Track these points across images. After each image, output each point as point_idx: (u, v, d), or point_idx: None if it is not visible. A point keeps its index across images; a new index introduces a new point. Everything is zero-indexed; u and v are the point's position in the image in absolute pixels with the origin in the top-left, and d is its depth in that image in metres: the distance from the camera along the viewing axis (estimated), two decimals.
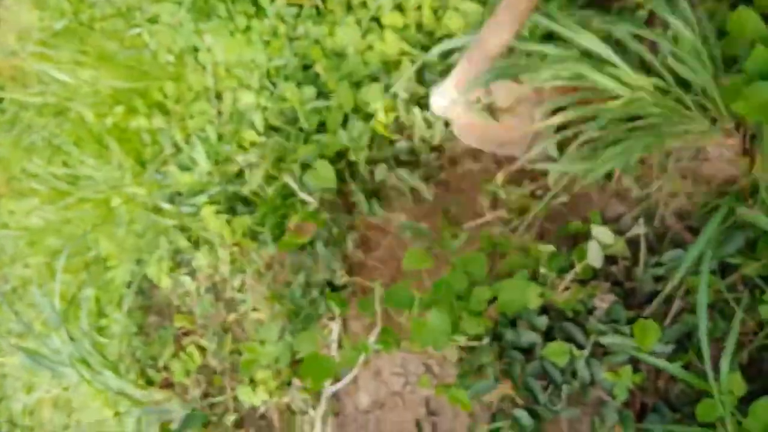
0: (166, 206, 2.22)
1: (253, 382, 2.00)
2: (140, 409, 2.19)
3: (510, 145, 1.75)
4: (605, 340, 1.49)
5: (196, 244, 2.24)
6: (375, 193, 1.87)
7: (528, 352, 1.59)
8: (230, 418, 2.14)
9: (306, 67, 2.09)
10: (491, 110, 1.69)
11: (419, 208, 1.90)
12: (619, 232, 1.60)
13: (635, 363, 1.50)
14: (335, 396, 1.92)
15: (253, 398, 2.02)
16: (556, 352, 1.53)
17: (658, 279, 1.53)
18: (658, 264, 1.53)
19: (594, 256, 1.55)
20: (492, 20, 1.45)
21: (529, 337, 1.58)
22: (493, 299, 1.59)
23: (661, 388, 1.52)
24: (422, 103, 1.76)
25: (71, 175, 2.93)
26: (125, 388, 2.37)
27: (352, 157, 1.86)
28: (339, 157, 1.93)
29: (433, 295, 1.60)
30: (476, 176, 1.83)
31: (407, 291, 1.63)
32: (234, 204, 2.13)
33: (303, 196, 1.94)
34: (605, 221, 1.65)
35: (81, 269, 2.69)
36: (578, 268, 1.57)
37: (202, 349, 2.31)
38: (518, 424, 1.49)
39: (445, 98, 1.65)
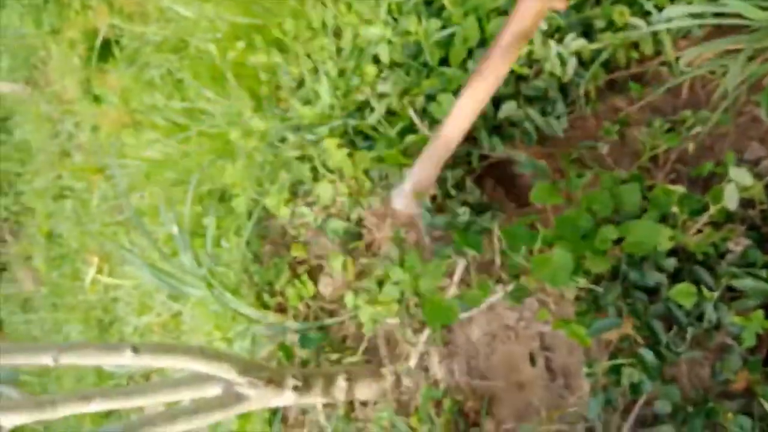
0: (290, 136, 2.30)
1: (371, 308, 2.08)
2: (257, 326, 2.33)
3: None
4: (738, 283, 1.46)
5: (315, 176, 2.32)
6: (497, 129, 1.87)
7: (652, 293, 1.59)
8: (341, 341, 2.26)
9: (428, 2, 2.09)
10: None
11: (541, 147, 1.90)
12: (757, 176, 1.55)
13: (767, 309, 1.47)
14: (447, 326, 1.98)
15: (369, 325, 2.11)
16: (684, 294, 1.51)
17: None
18: None
19: (730, 198, 1.50)
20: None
21: (654, 277, 1.57)
22: (619, 240, 1.59)
23: None
24: (558, 36, 1.73)
25: (190, 109, 3.08)
26: (243, 308, 2.52)
27: None
28: None
29: (557, 232, 1.61)
30: (603, 116, 1.81)
31: (527, 229, 1.65)
32: (354, 138, 2.19)
33: (423, 129, 1.96)
34: (742, 164, 1.60)
35: (204, 199, 2.85)
36: (713, 210, 1.53)
37: (316, 277, 2.43)
38: (642, 362, 1.50)
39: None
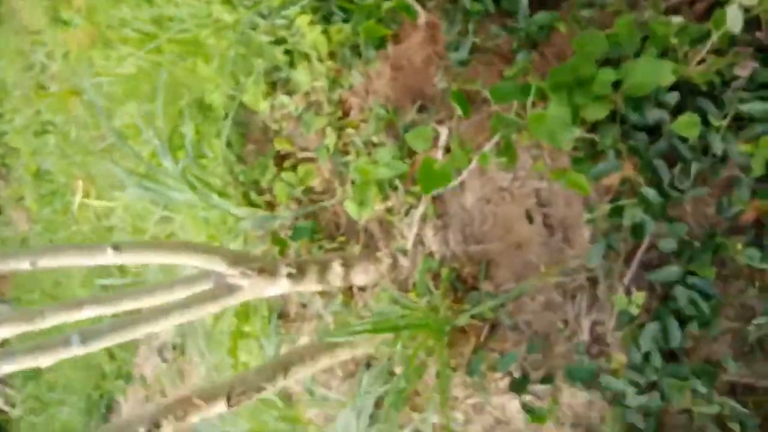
0: (259, 20, 2.16)
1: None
2: (248, 221, 2.25)
3: None
4: (746, 108, 1.36)
5: (291, 61, 2.20)
6: None
7: (654, 132, 1.49)
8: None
9: None
10: None
11: None
12: None
13: None
14: (439, 198, 1.90)
15: (361, 213, 2.03)
16: (687, 125, 1.41)
17: None
18: None
19: (734, 21, 1.38)
20: None
21: (655, 115, 1.47)
22: (617, 83, 1.49)
23: None
24: None
25: (158, 17, 2.92)
26: (231, 208, 2.44)
27: None
28: None
29: (551, 82, 1.50)
30: None
31: (515, 83, 1.54)
32: (328, 13, 2.05)
33: None
34: None
35: (184, 110, 2.73)
36: (715, 36, 1.42)
37: (303, 170, 2.33)
38: (645, 202, 1.41)
39: None
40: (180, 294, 1.87)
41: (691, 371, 1.40)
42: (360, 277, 2.17)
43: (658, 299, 1.48)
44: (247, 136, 2.55)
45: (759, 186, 1.41)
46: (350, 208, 2.03)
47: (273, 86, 2.36)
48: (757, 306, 1.44)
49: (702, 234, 1.48)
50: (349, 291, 2.24)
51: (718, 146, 1.40)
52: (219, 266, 1.91)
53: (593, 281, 1.57)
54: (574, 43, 1.55)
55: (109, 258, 1.82)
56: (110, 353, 3.79)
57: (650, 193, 1.41)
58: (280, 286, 2.00)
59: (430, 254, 1.93)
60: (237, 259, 1.93)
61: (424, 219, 1.93)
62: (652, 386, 1.45)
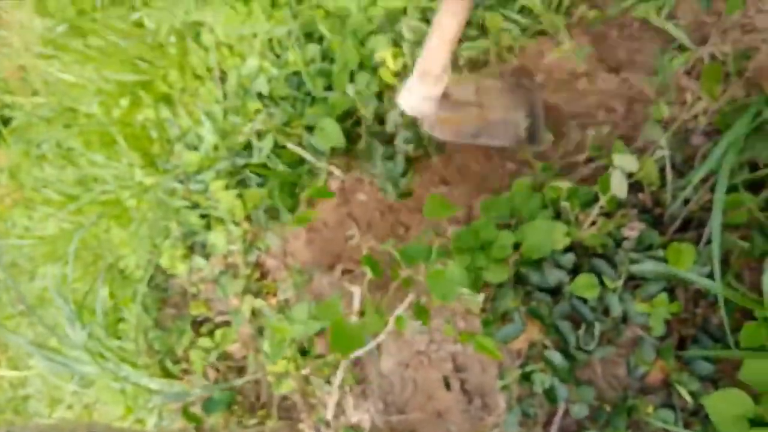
0: (176, 185, 2.18)
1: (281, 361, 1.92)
2: (160, 396, 2.12)
3: (485, 136, 1.71)
4: (638, 268, 1.40)
5: (208, 225, 2.20)
6: (387, 142, 1.82)
7: (555, 293, 1.51)
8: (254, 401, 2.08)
9: (309, 35, 2.05)
10: (456, 103, 1.66)
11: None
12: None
13: (670, 292, 1.41)
14: (359, 363, 1.84)
15: (281, 385, 1.95)
16: (585, 286, 1.45)
17: (687, 202, 1.45)
18: (687, 184, 1.45)
19: (618, 186, 1.47)
20: (446, 2, 1.42)
21: (555, 276, 1.50)
22: (516, 246, 1.52)
23: (700, 317, 1.43)
24: None
25: (82, 178, 2.92)
26: (144, 380, 2.31)
27: (362, 111, 1.81)
28: (347, 116, 1.88)
29: (455, 244, 1.53)
30: None
31: (422, 245, 1.56)
32: (243, 178, 2.09)
33: (309, 158, 1.88)
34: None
35: (95, 268, 2.66)
36: (603, 200, 1.49)
37: (220, 334, 2.25)
38: (551, 366, 1.40)
39: (412, 95, 1.58)
40: None
41: None
42: None
43: None
44: (164, 301, 2.48)
45: (662, 344, 1.43)
46: (273, 370, 1.95)
47: (191, 249, 2.33)
48: None
49: (615, 396, 1.46)
50: None
51: (616, 307, 1.43)
52: None
53: None
54: (480, 207, 1.60)
55: None
56: None
57: (556, 357, 1.40)
58: None
59: (353, 426, 1.84)
60: None
61: (342, 387, 1.86)
62: None
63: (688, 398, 1.37)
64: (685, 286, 1.42)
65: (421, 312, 1.59)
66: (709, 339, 1.41)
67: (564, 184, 1.53)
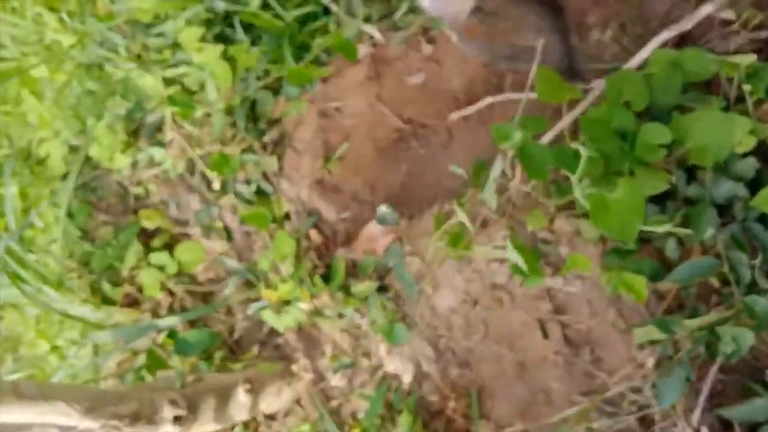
0: (117, 41, 1.52)
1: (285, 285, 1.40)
2: (111, 331, 1.55)
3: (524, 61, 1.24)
4: None
5: (171, 98, 1.56)
6: None
7: (722, 211, 1.09)
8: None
9: None
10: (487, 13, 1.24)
11: None
12: None
13: None
14: (396, 295, 1.37)
15: (283, 318, 1.44)
16: None
17: None
18: None
19: None
20: None
21: (726, 189, 1.07)
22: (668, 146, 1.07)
23: None
24: None
25: None
26: (73, 308, 1.73)
27: None
28: None
29: (588, 131, 1.06)
30: None
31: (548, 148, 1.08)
32: (224, 31, 1.47)
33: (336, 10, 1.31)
34: None
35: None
36: None
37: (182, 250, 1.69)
38: (750, 310, 0.99)
39: None
40: None
41: None
42: (270, 402, 1.56)
43: None
44: (96, 205, 1.85)
45: None
46: (268, 317, 1.43)
47: (135, 134, 1.71)
48: None
49: None
50: (252, 423, 1.62)
51: None
52: (70, 417, 1.23)
53: (645, 422, 1.12)
54: (607, 87, 1.12)
55: None
56: None
57: (760, 303, 0.98)
58: None
59: (386, 376, 1.39)
60: (95, 404, 1.26)
61: (374, 322, 1.39)
62: None
63: None
64: None
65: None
66: None
67: (745, 59, 1.07)
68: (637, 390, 1.13)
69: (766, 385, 1.06)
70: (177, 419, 1.35)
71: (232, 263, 1.51)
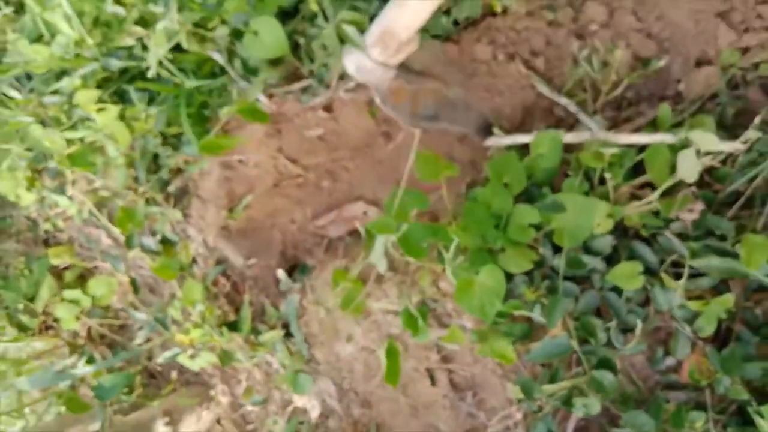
0: (13, 93, 1.50)
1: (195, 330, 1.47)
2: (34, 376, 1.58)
3: (445, 120, 1.34)
4: (701, 263, 1.13)
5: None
6: None
7: (580, 280, 1.22)
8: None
9: None
10: (412, 73, 1.29)
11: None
12: None
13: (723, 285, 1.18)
14: (308, 339, 1.47)
15: (197, 359, 1.52)
16: (626, 276, 1.16)
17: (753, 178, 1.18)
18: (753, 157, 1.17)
19: (688, 169, 1.12)
20: None
21: (586, 263, 1.20)
22: (538, 226, 1.18)
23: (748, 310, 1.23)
24: None
25: None
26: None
27: (313, 6, 1.26)
28: (287, 15, 1.32)
29: (464, 223, 1.15)
30: None
31: (426, 227, 1.17)
32: (123, 87, 1.47)
33: (234, 76, 1.33)
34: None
35: None
36: (651, 175, 1.18)
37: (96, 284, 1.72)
38: (597, 384, 1.13)
39: (365, 59, 1.18)
40: None
41: None
42: (189, 427, 1.66)
43: None
44: (4, 234, 1.85)
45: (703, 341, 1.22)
46: (183, 360, 1.51)
47: (39, 173, 1.70)
48: None
49: (634, 392, 1.26)
50: None
51: (662, 301, 1.17)
52: None
53: None
54: (488, 167, 1.22)
55: None
56: None
57: (607, 377, 1.13)
58: None
59: (296, 410, 1.50)
60: None
61: (284, 363, 1.49)
62: None
63: None
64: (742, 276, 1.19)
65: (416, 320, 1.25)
66: (750, 333, 1.22)
67: (608, 148, 1.17)
68: (510, 429, 1.28)
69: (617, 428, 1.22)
70: None
71: (141, 316, 1.57)
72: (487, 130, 1.37)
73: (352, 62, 1.20)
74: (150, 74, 1.34)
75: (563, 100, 1.33)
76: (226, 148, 1.40)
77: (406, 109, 1.30)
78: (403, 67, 1.24)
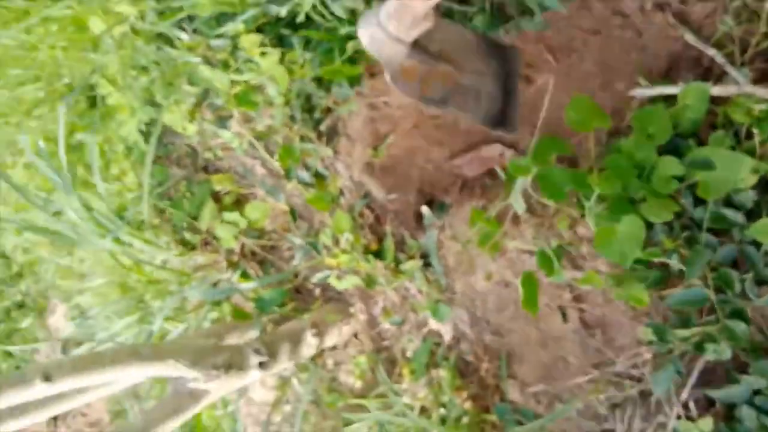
0: (182, 36, 1.65)
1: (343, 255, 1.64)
2: (198, 289, 1.83)
3: (454, 104, 1.32)
4: None
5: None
6: None
7: (719, 233, 1.26)
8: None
9: None
10: (425, 53, 1.25)
11: None
12: None
13: None
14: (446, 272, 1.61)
15: (343, 281, 1.70)
16: (766, 230, 1.18)
17: None
18: None
19: None
20: None
21: (727, 216, 1.23)
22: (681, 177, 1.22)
23: None
24: None
25: None
26: (160, 254, 2.01)
27: None
28: None
29: (607, 174, 1.21)
30: None
31: (566, 173, 1.24)
32: (280, 32, 1.59)
33: None
34: None
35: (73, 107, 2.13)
36: None
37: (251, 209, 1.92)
38: (730, 333, 1.20)
39: (379, 30, 1.15)
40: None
41: None
42: (332, 338, 1.87)
43: (722, 419, 1.32)
44: (167, 158, 2.07)
45: None
46: (332, 281, 1.69)
47: (198, 105, 1.88)
48: None
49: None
50: (318, 354, 1.94)
51: None
52: (177, 370, 1.55)
53: (644, 394, 1.38)
54: (635, 119, 1.25)
55: (38, 391, 1.41)
56: None
57: (739, 327, 1.19)
58: (249, 377, 1.67)
59: (430, 332, 1.66)
60: (198, 357, 1.57)
61: (420, 290, 1.64)
62: None
63: None
64: None
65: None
66: None
67: (757, 104, 1.18)
68: (638, 367, 1.37)
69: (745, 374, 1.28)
70: (261, 365, 1.66)
71: (298, 240, 1.75)
72: (495, 122, 1.37)
73: (367, 33, 1.18)
74: (299, 19, 1.44)
75: (711, 51, 1.32)
76: (348, 74, 1.50)
77: (416, 89, 1.29)
78: (419, 46, 1.23)
